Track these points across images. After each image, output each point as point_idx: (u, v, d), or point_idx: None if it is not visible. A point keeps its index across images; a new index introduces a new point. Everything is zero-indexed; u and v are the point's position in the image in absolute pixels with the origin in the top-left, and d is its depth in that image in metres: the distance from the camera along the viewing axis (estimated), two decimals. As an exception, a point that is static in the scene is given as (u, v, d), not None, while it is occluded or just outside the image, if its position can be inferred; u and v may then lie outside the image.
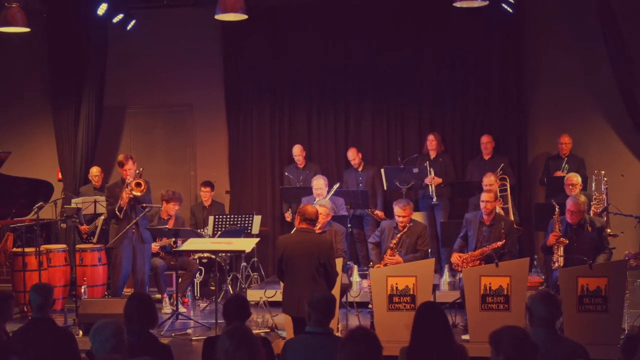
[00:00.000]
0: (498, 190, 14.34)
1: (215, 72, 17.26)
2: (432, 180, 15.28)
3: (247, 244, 12.96)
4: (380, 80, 16.71)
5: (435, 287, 12.68)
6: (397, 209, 12.13)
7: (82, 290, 13.51)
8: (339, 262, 11.49)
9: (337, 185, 15.10)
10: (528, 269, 11.79)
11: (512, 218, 14.01)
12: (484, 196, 12.46)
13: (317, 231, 12.27)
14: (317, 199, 13.98)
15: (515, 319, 10.69)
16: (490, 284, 11.21)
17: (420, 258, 12.18)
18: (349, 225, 13.52)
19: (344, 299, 12.21)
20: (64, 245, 14.69)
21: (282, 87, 17.14)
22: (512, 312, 11.07)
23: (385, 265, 12.09)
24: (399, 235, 12.19)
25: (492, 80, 16.38)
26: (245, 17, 14.26)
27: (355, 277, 13.58)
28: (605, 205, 13.65)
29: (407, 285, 11.28)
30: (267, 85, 17.14)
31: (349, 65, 16.79)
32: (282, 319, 11.86)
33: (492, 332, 6.26)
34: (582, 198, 12.36)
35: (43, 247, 13.95)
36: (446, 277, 13.88)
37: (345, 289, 12.22)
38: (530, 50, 16.23)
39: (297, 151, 16.19)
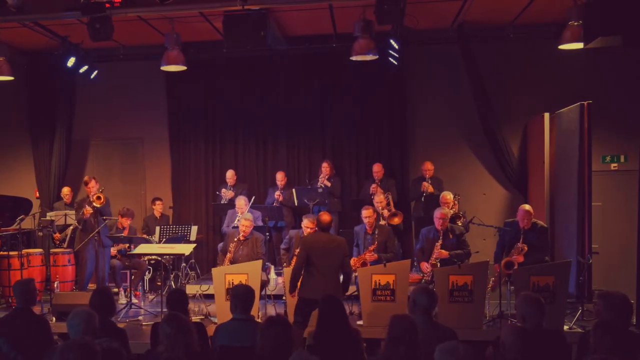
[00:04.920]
0: (386, 204, 14.57)
1: (161, 111, 17.19)
2: (324, 180, 15.59)
3: (186, 249, 12.86)
4: (292, 119, 16.76)
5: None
6: (307, 222, 12.00)
7: (55, 286, 13.48)
8: (259, 263, 11.66)
9: (253, 198, 15.16)
10: (409, 269, 11.86)
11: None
12: (364, 212, 12.65)
13: (241, 238, 12.48)
14: (239, 214, 14.18)
15: (399, 308, 10.71)
16: (379, 280, 11.28)
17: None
18: (267, 233, 13.58)
19: (263, 292, 12.25)
20: (40, 250, 14.53)
21: (214, 124, 17.14)
22: (396, 303, 11.13)
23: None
24: None
25: (381, 118, 16.46)
26: (184, 68, 14.48)
27: (272, 275, 13.64)
28: (465, 219, 13.84)
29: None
30: (202, 122, 17.14)
31: (267, 106, 16.80)
32: (214, 308, 11.98)
33: (390, 318, 6.50)
34: (447, 209, 12.66)
35: (24, 251, 13.85)
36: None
37: (264, 284, 12.27)
38: (412, 94, 16.35)
39: (229, 174, 16.22)
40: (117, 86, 17.12)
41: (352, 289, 12.84)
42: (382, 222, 13.83)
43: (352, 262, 12.56)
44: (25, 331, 7.96)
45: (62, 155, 17.06)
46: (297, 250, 11.13)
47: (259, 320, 10.03)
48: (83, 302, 9.30)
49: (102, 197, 13.35)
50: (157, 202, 16.35)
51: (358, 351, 7.42)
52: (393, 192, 15.20)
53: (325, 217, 10.58)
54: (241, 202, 14.42)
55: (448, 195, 13.88)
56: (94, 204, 13.30)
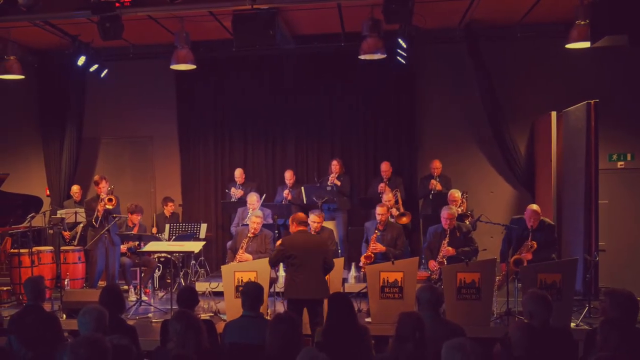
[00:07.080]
0: (394, 202, 14.59)
1: (171, 110, 17.20)
2: (334, 179, 15.59)
3: (195, 246, 12.97)
4: (300, 118, 16.76)
5: (344, 280, 12.91)
6: (314, 217, 12.10)
7: (66, 283, 13.52)
8: (267, 260, 11.66)
9: (264, 195, 15.25)
10: (417, 266, 11.87)
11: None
12: (378, 210, 12.68)
13: (250, 235, 12.46)
14: (250, 210, 14.20)
15: (407, 305, 10.83)
16: (387, 277, 11.33)
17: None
18: (276, 231, 13.61)
19: (272, 289, 12.27)
20: (51, 247, 14.58)
21: (223, 122, 17.13)
22: (405, 300, 11.20)
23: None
24: None
25: (389, 117, 16.45)
26: (194, 67, 14.47)
27: (281, 272, 13.63)
28: (473, 218, 13.84)
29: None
30: (211, 120, 17.15)
31: (275, 105, 16.83)
32: (223, 305, 12.01)
33: (398, 315, 6.51)
34: (454, 208, 12.65)
35: (34, 249, 13.95)
36: (353, 272, 13.96)
37: (273, 281, 12.28)
38: (420, 93, 16.34)
39: (238, 173, 16.27)
40: (127, 85, 17.13)
41: (361, 286, 12.89)
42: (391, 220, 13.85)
43: (361, 259, 12.65)
44: (35, 328, 7.95)
45: (72, 154, 17.14)
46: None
47: (268, 317, 10.06)
48: (93, 300, 9.33)
49: (113, 199, 13.35)
50: (170, 204, 16.38)
51: (366, 348, 7.43)
52: (401, 191, 15.23)
53: (300, 214, 10.68)
54: (253, 198, 14.45)
55: (456, 194, 13.88)
56: (107, 206, 13.29)
